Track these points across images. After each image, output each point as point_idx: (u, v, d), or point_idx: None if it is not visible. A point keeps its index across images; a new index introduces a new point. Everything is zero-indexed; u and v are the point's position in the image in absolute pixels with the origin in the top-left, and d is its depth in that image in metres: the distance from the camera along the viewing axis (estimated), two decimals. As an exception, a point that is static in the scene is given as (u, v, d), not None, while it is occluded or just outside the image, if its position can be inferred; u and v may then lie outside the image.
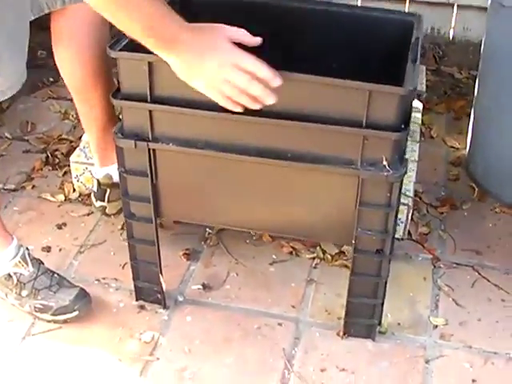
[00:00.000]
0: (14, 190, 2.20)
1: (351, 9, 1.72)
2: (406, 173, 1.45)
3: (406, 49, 1.52)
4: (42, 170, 2.26)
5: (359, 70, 1.60)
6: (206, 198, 1.60)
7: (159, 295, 1.77)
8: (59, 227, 2.05)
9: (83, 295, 1.74)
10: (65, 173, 2.22)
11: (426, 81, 2.65)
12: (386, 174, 1.42)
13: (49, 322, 1.75)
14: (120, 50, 1.46)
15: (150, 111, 1.48)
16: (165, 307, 1.79)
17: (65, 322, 1.74)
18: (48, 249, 1.97)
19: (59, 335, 1.74)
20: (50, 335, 1.74)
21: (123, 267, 1.88)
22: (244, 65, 1.27)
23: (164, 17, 1.26)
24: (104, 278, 1.87)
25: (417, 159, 2.09)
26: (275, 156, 1.46)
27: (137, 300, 1.80)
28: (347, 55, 1.69)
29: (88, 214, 2.09)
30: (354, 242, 1.52)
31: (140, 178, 1.58)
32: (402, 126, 1.39)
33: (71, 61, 1.80)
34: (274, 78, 1.28)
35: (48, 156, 2.31)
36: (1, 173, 2.23)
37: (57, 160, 2.30)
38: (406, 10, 2.85)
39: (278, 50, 1.53)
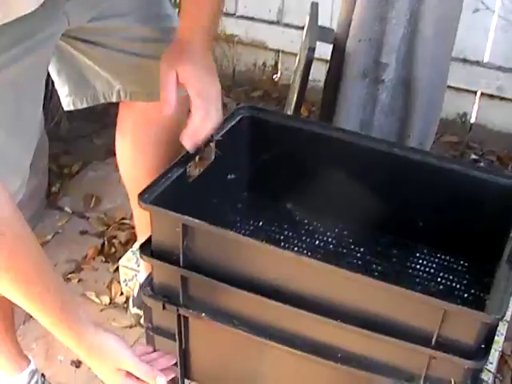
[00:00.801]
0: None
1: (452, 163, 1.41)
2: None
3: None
4: (94, 259, 2.06)
5: (445, 237, 1.35)
6: (238, 376, 1.35)
7: None
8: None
9: None
10: (117, 268, 2.00)
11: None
12: (450, 403, 1.13)
13: None
14: (155, 199, 1.23)
15: (182, 275, 1.24)
16: None
17: None
18: (78, 363, 1.76)
19: None
20: None
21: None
22: None
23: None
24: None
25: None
26: (321, 354, 1.20)
27: None
28: (435, 215, 1.41)
29: (131, 327, 1.87)
30: None
31: (168, 341, 1.34)
32: (481, 353, 1.10)
33: (129, 158, 1.59)
34: None
35: (104, 243, 2.11)
36: (50, 256, 2.02)
37: (113, 249, 2.10)
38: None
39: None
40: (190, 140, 1.27)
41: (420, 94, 1.70)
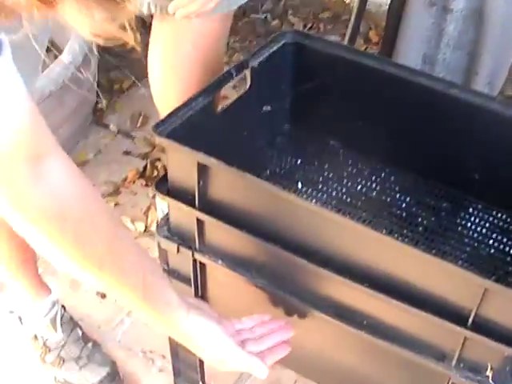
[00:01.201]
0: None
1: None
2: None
3: None
4: (134, 182, 1.95)
5: (503, 194, 1.19)
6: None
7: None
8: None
9: (111, 378, 1.47)
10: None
11: None
12: (487, 389, 0.99)
13: (72, 396, 1.48)
14: (173, 131, 1.09)
15: (198, 218, 1.12)
16: (204, 412, 1.46)
17: (85, 403, 1.46)
18: (103, 294, 1.67)
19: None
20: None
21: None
22: None
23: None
24: (151, 352, 1.57)
25: None
26: (344, 317, 1.06)
27: (176, 395, 1.48)
28: (494, 169, 1.24)
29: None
30: None
31: (185, 286, 1.23)
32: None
33: (159, 78, 1.45)
34: None
35: (147, 165, 1.99)
36: (89, 175, 1.93)
37: (155, 173, 1.97)
38: None
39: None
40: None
41: (492, 27, 1.51)
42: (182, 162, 1.09)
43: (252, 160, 1.32)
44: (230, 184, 1.07)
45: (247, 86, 1.25)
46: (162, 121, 1.11)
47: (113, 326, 1.63)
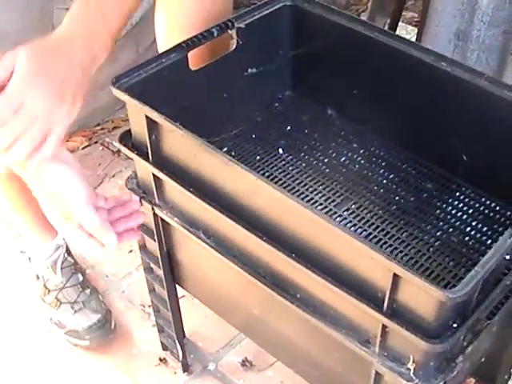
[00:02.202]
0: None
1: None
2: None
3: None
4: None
5: (492, 179, 1.12)
6: (216, 288, 1.23)
7: (181, 356, 1.45)
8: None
9: (101, 325, 1.49)
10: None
11: None
12: (406, 381, 0.94)
13: (64, 338, 1.52)
14: (136, 85, 1.09)
15: (153, 173, 1.12)
16: (186, 371, 1.47)
17: (76, 345, 1.50)
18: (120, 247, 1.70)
19: (66, 356, 1.54)
20: (58, 352, 1.54)
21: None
22: None
23: None
24: (150, 306, 1.58)
25: None
26: (279, 287, 1.04)
27: (163, 349, 1.49)
28: (486, 150, 1.17)
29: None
30: None
31: (150, 240, 1.23)
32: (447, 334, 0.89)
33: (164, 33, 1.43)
34: None
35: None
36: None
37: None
38: None
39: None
40: None
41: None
42: (136, 116, 1.09)
43: (240, 123, 1.31)
44: (178, 142, 1.06)
45: (233, 47, 1.23)
46: (126, 73, 1.11)
47: (120, 277, 1.66)
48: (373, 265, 0.88)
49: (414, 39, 1.87)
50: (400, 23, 2.19)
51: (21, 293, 1.64)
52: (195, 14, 1.30)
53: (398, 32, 2.11)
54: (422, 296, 0.85)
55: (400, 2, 1.72)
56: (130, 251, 1.69)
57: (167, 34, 1.35)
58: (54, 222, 1.01)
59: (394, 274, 0.86)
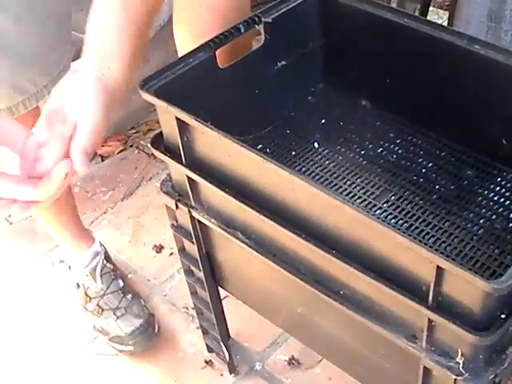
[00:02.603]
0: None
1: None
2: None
3: None
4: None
5: None
6: (257, 288, 1.21)
7: (227, 357, 1.44)
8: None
9: (144, 330, 1.49)
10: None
11: None
12: (455, 376, 0.91)
13: (107, 344, 1.52)
14: (164, 87, 1.08)
15: (187, 175, 1.11)
16: (233, 372, 1.46)
17: (120, 351, 1.50)
18: (159, 249, 1.71)
19: (111, 362, 1.54)
20: (103, 359, 1.54)
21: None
22: None
23: None
24: (193, 308, 1.57)
25: None
26: (323, 285, 1.02)
27: (209, 351, 1.48)
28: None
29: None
30: None
31: (189, 243, 1.22)
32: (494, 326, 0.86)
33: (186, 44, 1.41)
34: None
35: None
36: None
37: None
38: None
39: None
40: None
41: None
42: (166, 118, 1.08)
43: (273, 119, 1.29)
44: (210, 142, 1.04)
45: (261, 42, 1.21)
46: (153, 75, 1.09)
47: (162, 281, 1.66)
48: (415, 258, 0.85)
49: (445, 23, 1.83)
50: (431, 8, 2.15)
51: (63, 302, 1.64)
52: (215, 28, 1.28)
53: (429, 17, 2.08)
54: (467, 287, 0.83)
55: (430, -14, 1.68)
56: (171, 254, 1.68)
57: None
58: None
59: (437, 267, 0.83)
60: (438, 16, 2.25)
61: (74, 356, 1.55)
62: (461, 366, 0.90)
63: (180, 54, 1.32)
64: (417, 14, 1.77)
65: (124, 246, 1.73)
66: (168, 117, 1.05)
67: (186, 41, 1.32)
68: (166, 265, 1.68)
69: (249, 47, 1.26)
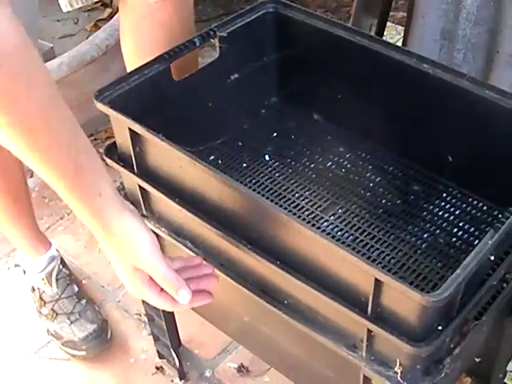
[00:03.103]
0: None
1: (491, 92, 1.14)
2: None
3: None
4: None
5: (479, 180, 1.13)
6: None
7: (177, 364, 1.46)
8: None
9: (97, 335, 1.50)
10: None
11: None
12: (394, 385, 0.94)
13: (60, 349, 1.53)
14: (118, 98, 1.10)
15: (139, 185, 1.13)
16: (183, 379, 1.48)
17: (73, 356, 1.51)
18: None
19: (64, 368, 1.55)
20: (56, 364, 1.55)
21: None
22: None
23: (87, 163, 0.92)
24: (146, 315, 1.59)
25: None
26: (268, 295, 1.05)
27: (160, 358, 1.50)
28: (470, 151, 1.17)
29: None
30: None
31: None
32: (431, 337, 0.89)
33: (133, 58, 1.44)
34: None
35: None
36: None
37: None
38: None
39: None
40: None
41: (511, 3, 1.40)
42: (120, 129, 1.10)
43: (226, 131, 1.31)
44: (162, 153, 1.06)
45: (216, 56, 1.23)
46: (108, 86, 1.11)
47: (116, 287, 1.67)
48: (355, 270, 0.88)
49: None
50: (390, 24, 2.20)
51: (18, 306, 1.65)
52: (159, 42, 1.30)
53: (387, 33, 2.12)
54: (404, 300, 0.86)
55: (386, 2, 1.72)
56: (125, 261, 1.69)
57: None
58: (122, 274, 1.00)
59: (376, 279, 0.86)
60: (396, 32, 2.29)
61: (28, 360, 1.56)
62: (399, 375, 0.93)
63: (128, 68, 1.35)
64: (374, 29, 1.80)
65: (79, 252, 1.74)
66: (121, 127, 1.07)
67: (132, 54, 1.36)
68: (121, 272, 1.68)
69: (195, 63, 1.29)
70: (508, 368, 1.35)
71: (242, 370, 1.49)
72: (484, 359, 1.20)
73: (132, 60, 1.33)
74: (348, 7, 2.55)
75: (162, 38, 1.27)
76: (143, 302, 1.37)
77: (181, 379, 1.48)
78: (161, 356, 1.49)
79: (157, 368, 1.50)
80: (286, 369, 1.19)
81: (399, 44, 1.76)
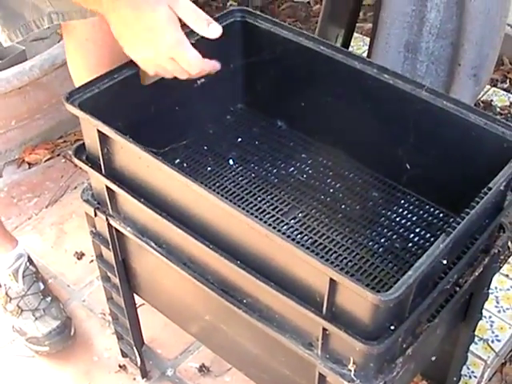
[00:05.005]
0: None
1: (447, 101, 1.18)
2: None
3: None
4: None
5: (436, 188, 1.16)
6: (169, 296, 1.27)
7: (139, 362, 1.48)
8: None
9: (60, 331, 1.53)
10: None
11: None
12: (347, 382, 0.98)
13: (25, 345, 1.55)
14: (88, 100, 1.13)
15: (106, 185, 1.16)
16: (145, 377, 1.51)
17: (36, 352, 1.53)
18: (80, 256, 1.75)
19: (28, 364, 1.57)
20: (21, 361, 1.57)
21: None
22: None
23: None
24: (110, 314, 1.61)
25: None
26: (228, 294, 1.08)
27: (123, 356, 1.53)
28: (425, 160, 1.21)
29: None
30: None
31: (106, 250, 1.27)
32: (387, 334, 0.93)
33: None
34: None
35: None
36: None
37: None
38: None
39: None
40: None
41: (473, 17, 1.45)
42: (88, 130, 1.13)
43: (192, 135, 1.35)
44: (129, 155, 1.09)
45: (184, 61, 1.26)
46: (78, 88, 1.14)
47: (81, 287, 1.70)
48: (311, 271, 0.92)
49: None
50: (357, 35, 2.25)
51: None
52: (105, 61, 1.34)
53: (354, 43, 2.17)
54: (358, 299, 0.89)
55: (353, 13, 1.77)
56: (91, 261, 1.72)
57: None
58: (158, 21, 1.03)
59: (331, 279, 0.90)
60: (363, 43, 2.34)
61: (-8, 357, 1.58)
62: (352, 373, 0.97)
63: (76, 84, 1.39)
64: (340, 40, 1.84)
65: (46, 251, 1.77)
66: (90, 129, 1.10)
67: (80, 72, 1.41)
68: (86, 271, 1.72)
69: None
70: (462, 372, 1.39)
71: (203, 369, 1.52)
72: (439, 362, 1.24)
73: (81, 77, 1.38)
74: (317, 17, 2.59)
75: (107, 57, 1.32)
76: (108, 300, 1.39)
77: (143, 377, 1.50)
78: (124, 355, 1.52)
79: (120, 366, 1.53)
80: (245, 367, 1.22)
81: (365, 55, 1.81)
